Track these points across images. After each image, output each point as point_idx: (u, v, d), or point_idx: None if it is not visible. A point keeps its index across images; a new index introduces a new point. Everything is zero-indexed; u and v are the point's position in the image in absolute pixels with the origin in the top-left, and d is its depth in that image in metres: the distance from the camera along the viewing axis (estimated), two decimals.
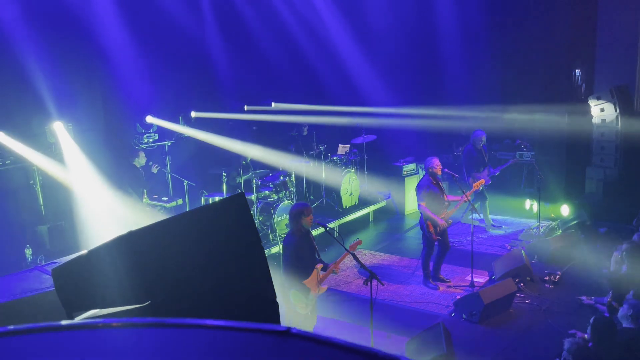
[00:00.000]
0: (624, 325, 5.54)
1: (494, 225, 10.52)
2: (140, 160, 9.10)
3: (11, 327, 0.96)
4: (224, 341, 0.93)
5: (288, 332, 0.92)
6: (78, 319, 1.71)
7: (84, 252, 1.93)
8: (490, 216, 10.56)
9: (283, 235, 8.61)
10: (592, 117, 10.77)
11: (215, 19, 11.64)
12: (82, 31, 9.12)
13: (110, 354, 0.91)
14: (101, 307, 1.73)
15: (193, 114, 10.78)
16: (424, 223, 8.02)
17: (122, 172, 9.27)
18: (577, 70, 12.63)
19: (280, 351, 0.89)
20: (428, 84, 13.30)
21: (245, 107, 12.06)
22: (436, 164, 7.99)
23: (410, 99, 12.77)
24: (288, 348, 0.89)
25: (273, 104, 12.61)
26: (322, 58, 13.33)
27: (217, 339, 0.93)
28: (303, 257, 5.97)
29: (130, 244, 1.82)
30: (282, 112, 12.41)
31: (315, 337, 0.92)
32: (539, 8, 12.33)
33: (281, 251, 6.45)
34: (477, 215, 8.33)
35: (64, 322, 0.97)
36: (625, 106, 10.53)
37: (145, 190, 8.99)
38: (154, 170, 9.42)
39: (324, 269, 6.08)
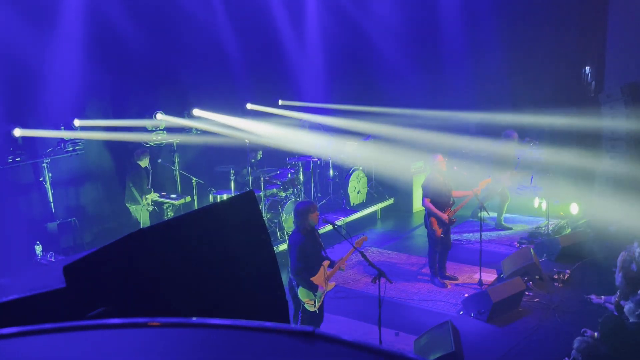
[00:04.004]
0: (632, 320, 5.50)
1: (502, 228, 10.45)
2: (145, 161, 9.11)
3: (26, 327, 0.96)
4: (248, 342, 0.93)
5: (313, 334, 0.92)
6: (90, 316, 1.72)
7: (95, 249, 1.94)
8: (504, 216, 10.49)
9: (290, 233, 8.62)
10: (602, 114, 10.69)
11: (226, 14, 11.57)
12: (85, 27, 9.15)
13: (133, 354, 0.91)
14: (113, 305, 1.73)
15: (195, 112, 10.77)
16: (428, 220, 8.02)
17: (126, 170, 9.32)
18: (587, 68, 12.53)
19: (305, 353, 0.89)
20: (436, 82, 13.25)
21: (248, 106, 11.97)
22: (440, 160, 7.99)
23: (419, 99, 12.72)
24: (313, 350, 0.89)
25: (280, 102, 12.57)
26: (332, 56, 13.34)
27: (241, 340, 0.93)
28: (309, 254, 5.98)
29: (142, 242, 1.82)
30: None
31: (341, 339, 0.91)
32: (549, 4, 12.23)
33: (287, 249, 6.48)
34: (486, 213, 8.30)
35: (80, 322, 0.97)
36: (636, 104, 10.44)
37: (148, 192, 9.02)
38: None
39: (330, 265, 6.09)
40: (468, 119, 12.31)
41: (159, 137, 9.97)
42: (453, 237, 9.09)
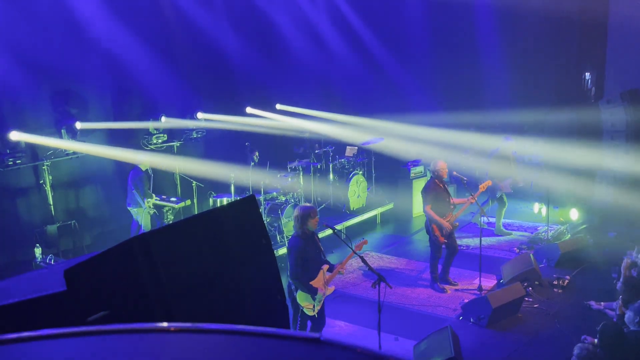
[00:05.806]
0: (632, 328, 5.49)
1: (502, 234, 10.43)
2: (146, 164, 9.11)
3: (26, 333, 0.96)
4: (255, 348, 0.93)
5: (319, 340, 0.92)
6: (91, 320, 1.72)
7: (96, 252, 1.94)
8: (502, 221, 10.47)
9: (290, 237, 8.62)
10: (602, 120, 10.70)
11: (228, 16, 11.59)
12: (87, 30, 9.16)
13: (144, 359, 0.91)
14: (114, 309, 1.73)
15: (199, 115, 10.78)
16: (429, 226, 8.00)
17: (127, 173, 9.33)
18: (587, 74, 12.56)
19: (312, 359, 0.89)
20: (437, 88, 13.29)
21: (248, 109, 11.97)
22: (442, 166, 7.95)
23: (420, 103, 12.75)
24: (321, 356, 0.89)
25: (278, 106, 12.56)
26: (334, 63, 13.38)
27: (248, 346, 0.93)
28: (308, 258, 5.97)
29: (144, 246, 1.82)
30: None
31: (348, 345, 0.91)
32: (550, 11, 12.27)
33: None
34: (486, 218, 8.28)
35: (81, 328, 0.97)
36: (635, 110, 10.46)
37: (150, 196, 9.02)
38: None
39: (330, 269, 6.08)
40: (467, 122, 12.31)
41: (159, 140, 9.99)
42: None
